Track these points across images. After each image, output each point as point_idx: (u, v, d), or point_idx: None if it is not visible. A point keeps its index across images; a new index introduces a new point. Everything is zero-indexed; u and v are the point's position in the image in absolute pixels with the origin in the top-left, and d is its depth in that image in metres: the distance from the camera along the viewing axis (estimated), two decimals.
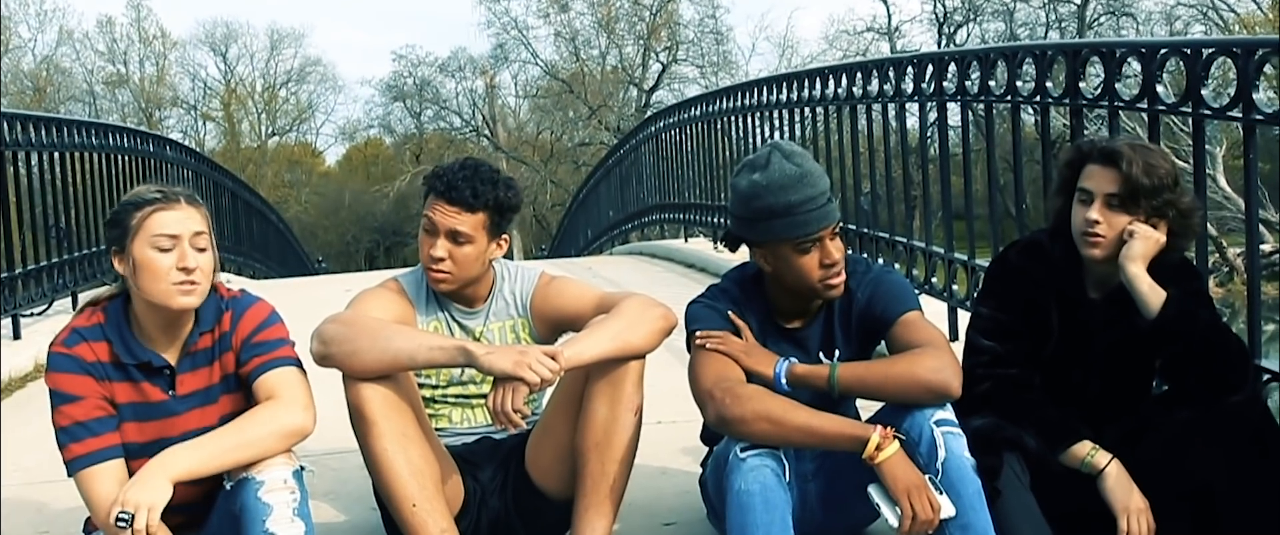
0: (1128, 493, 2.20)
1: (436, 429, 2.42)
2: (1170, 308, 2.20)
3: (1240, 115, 2.61)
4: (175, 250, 2.06)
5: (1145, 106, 2.90)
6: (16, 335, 4.84)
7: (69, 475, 2.09)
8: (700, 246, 7.67)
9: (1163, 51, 2.86)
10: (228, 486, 2.07)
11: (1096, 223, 2.23)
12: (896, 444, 2.07)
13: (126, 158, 6.77)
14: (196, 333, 2.14)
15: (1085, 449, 2.24)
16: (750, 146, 6.49)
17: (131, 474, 2.05)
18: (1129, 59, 3.00)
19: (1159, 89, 2.84)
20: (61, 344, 2.10)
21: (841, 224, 2.27)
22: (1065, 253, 2.31)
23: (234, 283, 8.30)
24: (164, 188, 2.12)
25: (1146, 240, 2.23)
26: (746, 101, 6.51)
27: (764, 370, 2.19)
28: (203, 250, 2.09)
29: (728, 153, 7.11)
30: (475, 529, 2.38)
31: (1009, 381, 2.26)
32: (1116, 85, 3.03)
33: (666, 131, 8.67)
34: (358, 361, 2.19)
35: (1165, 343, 2.23)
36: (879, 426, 2.08)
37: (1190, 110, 2.77)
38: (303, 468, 2.10)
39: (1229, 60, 2.66)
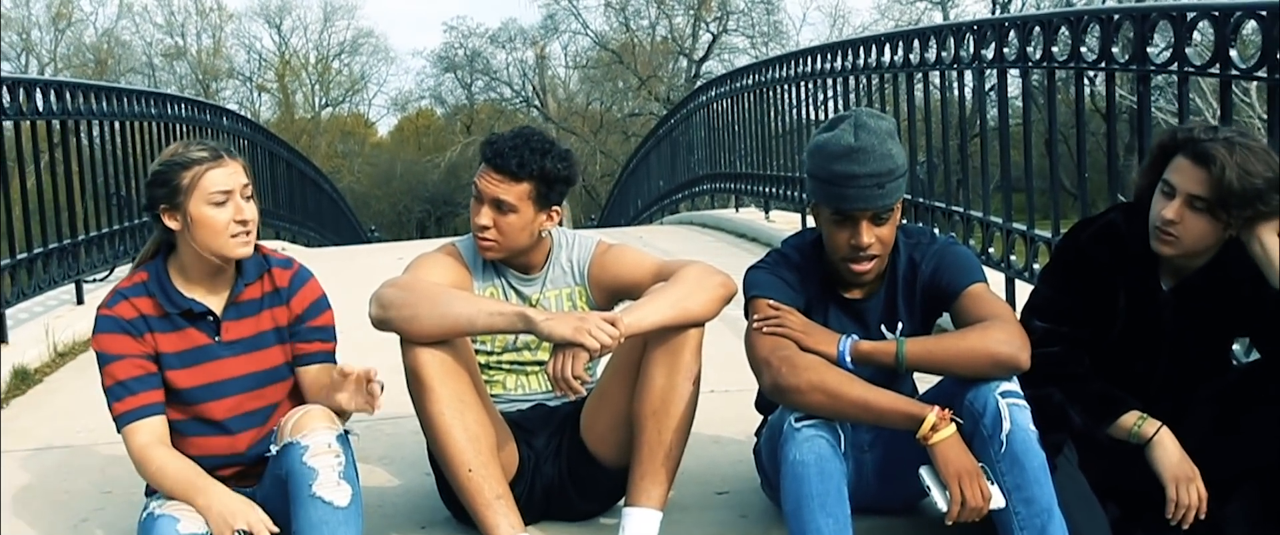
0: (1177, 461, 2.15)
1: (491, 396, 2.43)
2: None
3: None
4: (230, 204, 2.15)
5: (1217, 72, 2.81)
6: (80, 300, 4.94)
7: (118, 431, 2.19)
8: (751, 216, 7.63)
9: (1238, 14, 2.75)
10: (273, 452, 2.11)
11: (1173, 223, 2.13)
12: (953, 427, 2.04)
13: (185, 127, 6.86)
14: (241, 283, 2.22)
15: (1132, 420, 2.19)
16: (801, 116, 6.42)
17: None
18: (1201, 23, 2.90)
19: (1233, 54, 2.75)
20: (104, 306, 2.20)
21: (892, 210, 2.16)
22: (1141, 238, 2.23)
23: (289, 250, 8.39)
24: (205, 144, 2.19)
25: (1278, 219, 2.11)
26: (798, 70, 6.43)
27: (827, 349, 2.15)
28: (249, 199, 2.18)
29: (778, 122, 7.04)
30: (529, 495, 2.38)
31: (1055, 358, 2.20)
32: (1187, 50, 2.94)
33: (717, 101, 8.61)
34: (417, 326, 2.20)
35: None
36: (937, 407, 2.05)
37: (1266, 76, 2.68)
38: (347, 432, 2.12)
39: None
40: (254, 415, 2.25)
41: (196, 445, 2.23)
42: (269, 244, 2.61)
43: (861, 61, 5.31)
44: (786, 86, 6.70)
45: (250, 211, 2.16)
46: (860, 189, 2.13)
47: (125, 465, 2.40)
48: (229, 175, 2.15)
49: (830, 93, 5.87)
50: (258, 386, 2.24)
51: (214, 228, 2.14)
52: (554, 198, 2.41)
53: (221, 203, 2.13)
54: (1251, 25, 2.71)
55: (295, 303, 2.28)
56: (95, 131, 5.47)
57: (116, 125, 5.59)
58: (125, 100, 5.77)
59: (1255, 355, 2.38)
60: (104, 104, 5.42)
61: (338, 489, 2.04)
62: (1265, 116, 2.83)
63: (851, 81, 5.55)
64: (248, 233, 2.17)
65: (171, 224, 2.16)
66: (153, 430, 2.17)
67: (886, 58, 4.97)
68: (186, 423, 2.23)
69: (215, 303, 2.22)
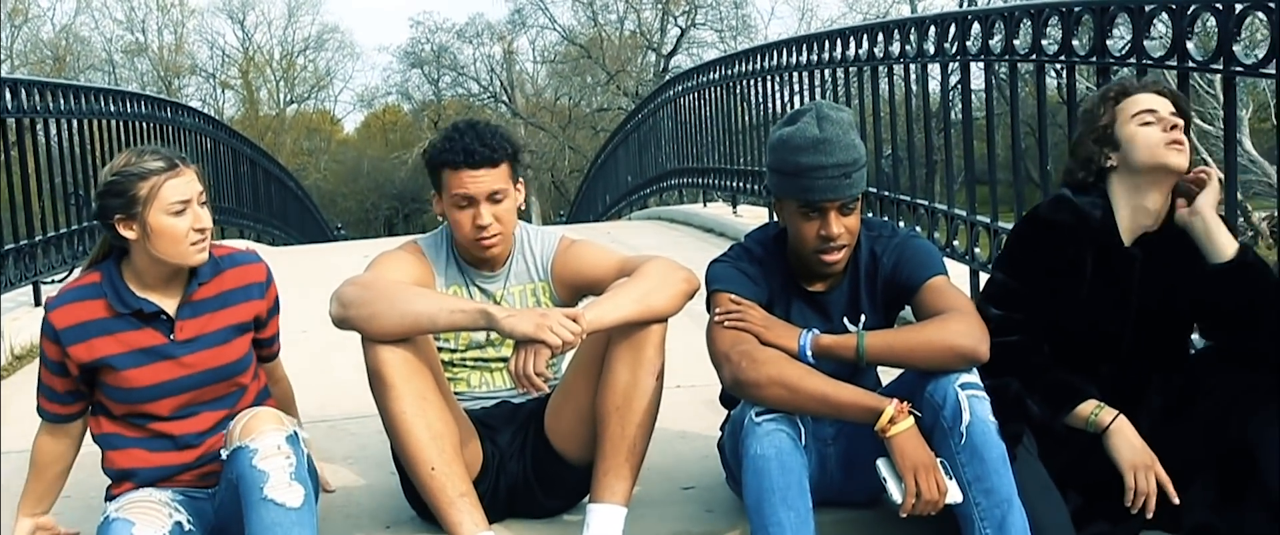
0: (1134, 449, 2.17)
1: (455, 393, 2.42)
2: (1249, 253, 2.17)
3: (1275, 72, 2.56)
4: (188, 212, 2.15)
5: (1175, 64, 2.84)
6: (38, 302, 4.87)
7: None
8: (719, 211, 7.64)
9: (1194, 8, 2.79)
10: (224, 456, 2.09)
11: (1177, 128, 2.24)
12: (911, 420, 2.05)
13: (146, 125, 6.77)
14: (195, 283, 2.22)
15: (1089, 408, 2.21)
16: (769, 111, 6.43)
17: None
18: (1158, 16, 2.94)
19: (1189, 46, 2.78)
20: (51, 307, 2.21)
21: (858, 200, 2.20)
22: (1096, 204, 2.27)
23: (254, 248, 8.33)
24: (159, 153, 2.18)
25: (1218, 192, 2.23)
26: (765, 64, 6.45)
27: (787, 343, 2.16)
28: (205, 205, 2.19)
29: (746, 117, 7.05)
30: (494, 493, 2.37)
31: (1012, 348, 2.22)
32: (1145, 43, 2.97)
33: (685, 96, 8.61)
34: (377, 325, 2.18)
35: (1232, 290, 2.18)
36: (895, 400, 2.06)
37: (1222, 68, 2.71)
38: (297, 432, 2.12)
39: (1262, 16, 2.60)
40: (211, 412, 2.23)
41: (148, 456, 2.22)
42: (234, 243, 2.61)
43: (827, 55, 5.33)
44: (753, 81, 6.71)
45: (206, 218, 2.18)
46: (828, 180, 2.14)
47: (84, 469, 2.38)
48: (186, 184, 2.15)
49: (797, 87, 5.89)
50: (215, 382, 2.23)
51: (174, 237, 2.14)
52: (521, 169, 2.43)
53: (180, 212, 2.14)
54: (1209, 20, 2.74)
55: (265, 303, 2.30)
56: (53, 130, 5.39)
57: (75, 124, 5.51)
58: (84, 98, 5.68)
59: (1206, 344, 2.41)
60: (62, 102, 5.34)
61: (289, 490, 2.02)
62: (1216, 109, 2.85)
63: (818, 75, 5.57)
64: (205, 238, 2.18)
65: (127, 233, 2.15)
66: (61, 435, 2.29)
67: (851, 52, 4.99)
68: (140, 419, 2.21)
69: (169, 303, 2.21)
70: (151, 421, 2.22)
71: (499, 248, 2.41)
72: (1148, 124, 2.25)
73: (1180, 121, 2.26)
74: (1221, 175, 2.28)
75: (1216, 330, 2.31)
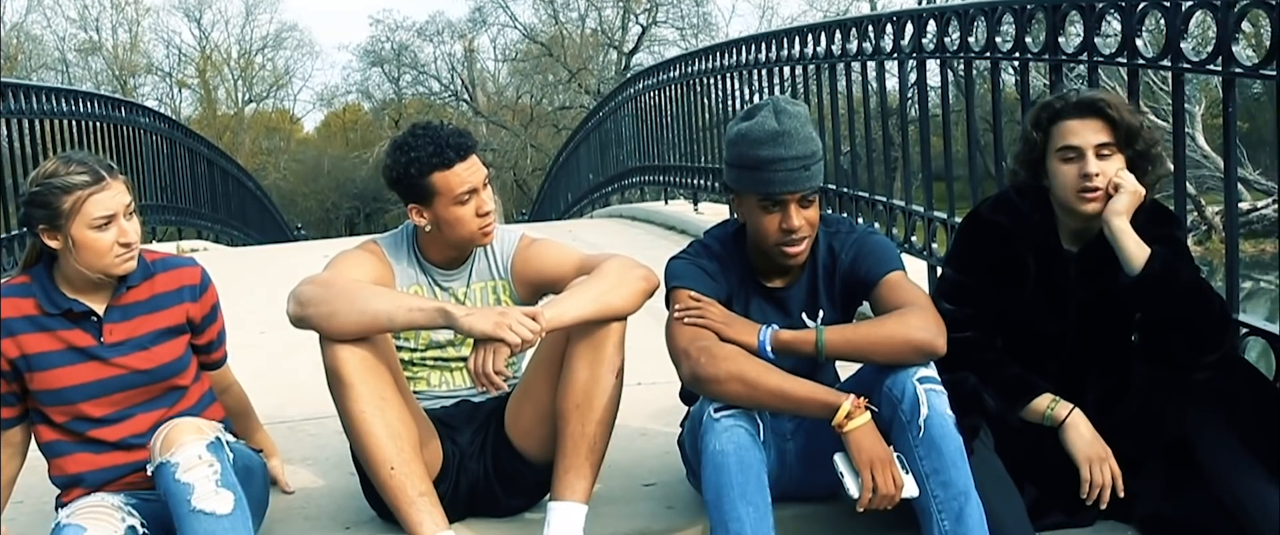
0: (1089, 442, 2.21)
1: (415, 392, 2.41)
2: (1154, 264, 2.19)
3: (1220, 69, 2.60)
4: (113, 226, 2.13)
5: (1125, 61, 2.89)
6: None
7: None
8: (681, 208, 7.65)
9: (1143, 6, 2.84)
10: (149, 472, 2.08)
11: (1094, 175, 2.21)
12: (867, 415, 2.07)
13: (99, 125, 6.68)
14: (124, 287, 2.20)
15: (1045, 402, 2.24)
16: (730, 108, 6.45)
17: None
18: (1109, 14, 2.98)
19: (1139, 43, 2.83)
20: None
21: (817, 192, 2.22)
22: (1036, 207, 2.31)
23: (212, 249, 8.18)
24: (86, 164, 2.14)
25: (1134, 195, 2.22)
26: (725, 62, 6.47)
27: (747, 339, 2.17)
28: (133, 216, 2.17)
29: (707, 114, 7.07)
30: (454, 492, 2.37)
31: (967, 343, 2.25)
32: (1096, 40, 3.01)
33: (646, 93, 8.62)
34: (335, 323, 2.17)
35: (1146, 300, 2.23)
36: (852, 396, 2.08)
37: (1170, 64, 2.76)
38: (219, 438, 2.10)
39: (1209, 14, 2.65)
40: (147, 414, 2.22)
41: (92, 459, 2.21)
42: (189, 243, 2.59)
43: (787, 53, 5.36)
44: (714, 78, 6.73)
45: (133, 230, 2.15)
46: (788, 172, 2.16)
47: (35, 475, 2.35)
48: (112, 198, 2.12)
49: (758, 84, 5.91)
50: (147, 384, 2.22)
51: (97, 250, 2.13)
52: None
53: (104, 226, 2.12)
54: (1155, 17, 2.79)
55: (198, 308, 2.29)
56: (3, 130, 5.30)
57: (26, 124, 5.42)
58: (36, 97, 5.60)
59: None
60: (12, 101, 5.25)
61: (217, 498, 2.01)
62: (1170, 104, 2.90)
63: (778, 73, 5.60)
64: (131, 251, 2.16)
65: (52, 243, 2.14)
66: (3, 437, 2.23)
67: (810, 49, 5.02)
68: (78, 423, 2.20)
69: (98, 304, 2.20)
70: (90, 426, 2.20)
71: (494, 234, 2.40)
72: (1069, 161, 2.25)
73: (1109, 151, 2.22)
74: (1119, 182, 2.21)
75: (1142, 330, 2.35)
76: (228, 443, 2.14)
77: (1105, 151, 2.22)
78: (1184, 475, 2.21)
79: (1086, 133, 2.23)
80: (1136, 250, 2.20)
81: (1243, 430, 2.14)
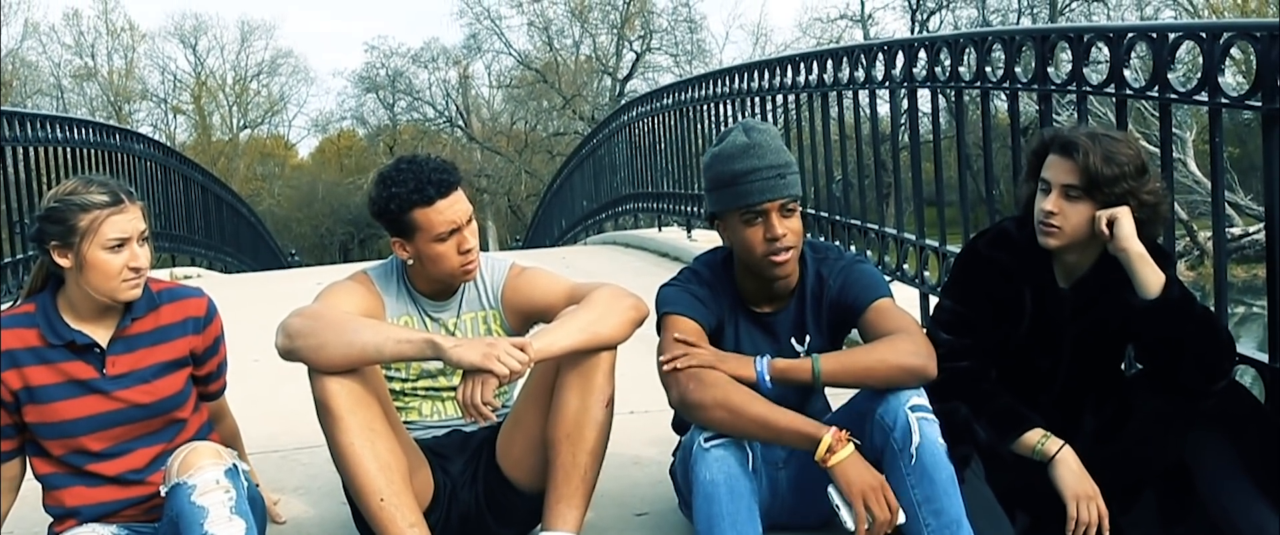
0: (1078, 479, 2.21)
1: (406, 422, 2.41)
2: (1173, 290, 2.20)
3: (1206, 99, 2.62)
4: (126, 250, 2.12)
5: (1113, 91, 2.90)
6: None
7: None
8: (674, 235, 7.67)
9: (1130, 36, 2.86)
10: (163, 493, 2.07)
11: (1052, 214, 2.24)
12: (850, 447, 2.07)
13: (94, 152, 6.69)
14: (129, 318, 2.19)
15: (1036, 437, 2.24)
16: None
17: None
18: (1097, 44, 3.00)
19: (1126, 74, 2.85)
20: None
21: (800, 205, 2.26)
22: (1033, 241, 2.32)
23: (206, 276, 8.15)
24: (107, 186, 2.15)
25: (1130, 222, 2.21)
26: (719, 89, 6.49)
27: (744, 372, 2.17)
28: (145, 242, 2.16)
29: (701, 141, 7.09)
30: (445, 522, 2.36)
31: (962, 374, 2.26)
32: (1085, 70, 3.03)
33: (640, 120, 8.65)
34: (324, 356, 2.17)
35: (1162, 324, 2.22)
36: (833, 429, 2.08)
37: (1157, 95, 2.78)
38: (236, 465, 2.10)
39: (1196, 45, 2.67)
40: (147, 448, 2.20)
41: (88, 493, 2.19)
42: (183, 271, 2.58)
43: (779, 81, 5.39)
44: (708, 105, 6.76)
45: (144, 257, 2.15)
46: (764, 180, 2.19)
47: (26, 503, 2.34)
48: (129, 221, 2.12)
49: (751, 111, 5.93)
50: (148, 417, 2.20)
51: (106, 272, 2.12)
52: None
53: (117, 248, 2.11)
54: (1143, 47, 2.81)
55: (202, 340, 2.26)
56: None
57: (20, 151, 5.43)
58: (31, 124, 5.60)
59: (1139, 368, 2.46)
60: (7, 129, 5.26)
61: (230, 525, 2.00)
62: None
63: (770, 100, 5.62)
64: (139, 277, 2.15)
65: (62, 261, 2.13)
66: None
67: (802, 78, 5.05)
68: (76, 457, 2.18)
69: (102, 335, 2.18)
70: (88, 460, 2.18)
71: (476, 268, 2.40)
72: (1042, 193, 2.28)
73: (1077, 194, 2.22)
74: (1115, 213, 2.20)
75: (1147, 358, 2.35)
76: (243, 471, 2.13)
77: (1073, 192, 2.23)
78: (1180, 504, 2.21)
79: (1059, 171, 2.25)
80: (1154, 276, 2.20)
81: (1245, 455, 2.14)
